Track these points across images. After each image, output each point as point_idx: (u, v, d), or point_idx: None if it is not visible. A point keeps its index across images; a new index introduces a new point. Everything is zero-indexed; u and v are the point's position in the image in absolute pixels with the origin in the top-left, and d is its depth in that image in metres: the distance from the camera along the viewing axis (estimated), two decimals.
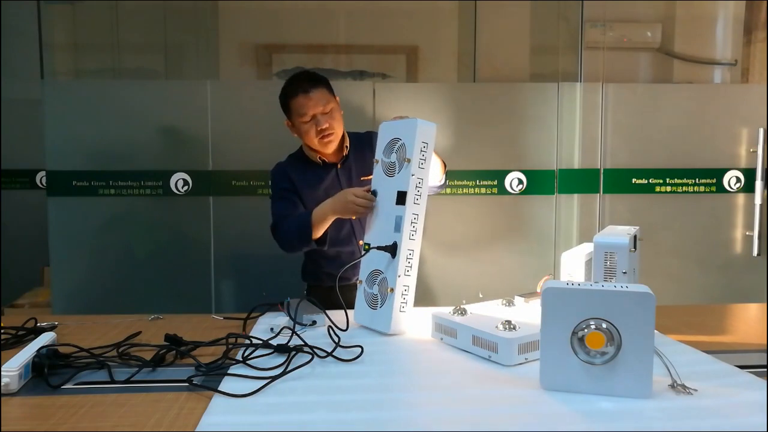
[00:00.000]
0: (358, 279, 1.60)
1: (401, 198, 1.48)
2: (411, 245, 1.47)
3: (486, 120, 2.68)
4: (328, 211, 1.72)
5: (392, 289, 1.46)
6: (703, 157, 2.74)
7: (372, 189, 1.62)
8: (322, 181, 1.92)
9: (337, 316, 1.46)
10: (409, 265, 1.47)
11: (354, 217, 1.72)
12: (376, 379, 1.16)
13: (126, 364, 1.24)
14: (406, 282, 1.47)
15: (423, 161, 1.47)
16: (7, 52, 3.03)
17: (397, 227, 1.47)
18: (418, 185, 1.47)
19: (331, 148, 1.87)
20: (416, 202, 1.47)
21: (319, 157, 1.92)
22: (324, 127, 1.81)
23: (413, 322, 1.50)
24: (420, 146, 1.47)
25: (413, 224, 1.47)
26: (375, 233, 1.57)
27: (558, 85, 2.72)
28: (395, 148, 1.52)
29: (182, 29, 3.17)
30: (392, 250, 1.48)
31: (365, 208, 1.60)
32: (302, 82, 1.84)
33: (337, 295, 1.50)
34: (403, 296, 1.47)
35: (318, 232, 1.77)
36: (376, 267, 1.54)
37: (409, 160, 1.46)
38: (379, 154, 1.59)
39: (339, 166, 1.92)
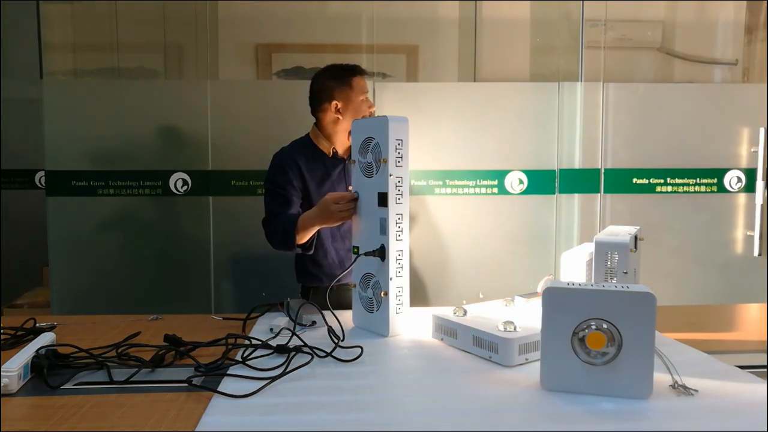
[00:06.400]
0: (352, 283, 1.59)
1: (383, 200, 1.46)
2: (399, 246, 1.46)
3: (486, 120, 2.67)
4: (314, 221, 1.73)
5: (386, 293, 1.45)
6: (703, 156, 2.73)
7: (353, 189, 1.61)
8: (329, 174, 1.93)
9: (338, 316, 1.46)
10: (400, 266, 1.47)
11: (341, 223, 1.72)
12: (376, 380, 1.16)
13: (125, 365, 1.23)
14: (399, 283, 1.46)
15: (400, 159, 1.46)
16: (7, 52, 3.02)
17: (383, 230, 1.46)
18: (398, 184, 1.46)
19: None
20: (398, 201, 1.46)
21: (333, 149, 1.94)
22: (373, 105, 1.98)
23: (414, 323, 1.50)
24: (394, 144, 1.45)
25: (398, 225, 1.46)
26: (362, 235, 1.56)
27: (558, 84, 2.71)
28: (370, 148, 1.51)
29: (182, 29, 3.16)
30: (381, 253, 1.47)
31: (349, 211, 1.60)
32: (357, 67, 1.98)
33: (335, 297, 1.49)
34: (398, 298, 1.46)
35: (303, 239, 1.78)
36: (367, 270, 1.53)
37: (385, 161, 1.44)
38: (355, 154, 1.57)
39: (352, 161, 1.92)
